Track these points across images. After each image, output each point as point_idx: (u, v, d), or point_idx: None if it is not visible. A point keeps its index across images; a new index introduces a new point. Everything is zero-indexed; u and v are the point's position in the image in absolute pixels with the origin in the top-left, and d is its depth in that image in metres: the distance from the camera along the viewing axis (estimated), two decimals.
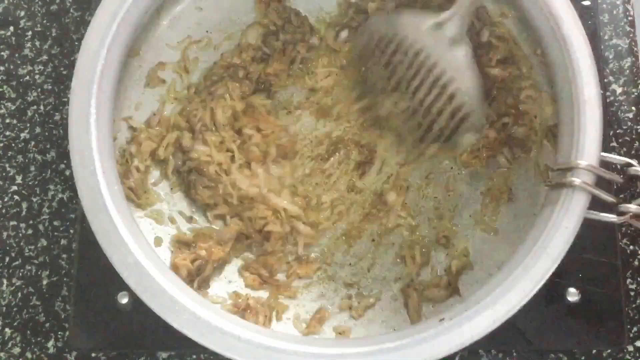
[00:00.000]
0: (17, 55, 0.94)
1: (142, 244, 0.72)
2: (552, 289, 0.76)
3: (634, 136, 0.89)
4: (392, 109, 0.83)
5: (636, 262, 0.85)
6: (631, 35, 0.92)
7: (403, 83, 0.82)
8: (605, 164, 0.71)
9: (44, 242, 0.87)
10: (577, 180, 0.68)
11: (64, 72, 0.93)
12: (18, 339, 0.83)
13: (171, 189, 0.84)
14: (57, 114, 0.92)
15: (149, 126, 0.84)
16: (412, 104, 0.82)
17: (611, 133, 0.88)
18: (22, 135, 0.91)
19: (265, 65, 0.87)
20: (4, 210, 0.88)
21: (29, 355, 0.83)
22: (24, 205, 0.88)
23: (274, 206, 0.81)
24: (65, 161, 0.89)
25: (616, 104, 0.90)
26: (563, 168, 0.71)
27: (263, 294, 0.80)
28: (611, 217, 0.68)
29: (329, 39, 0.89)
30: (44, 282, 0.85)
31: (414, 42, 0.80)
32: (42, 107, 0.92)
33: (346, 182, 0.86)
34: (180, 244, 0.81)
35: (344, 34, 0.88)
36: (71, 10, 0.96)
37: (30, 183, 0.89)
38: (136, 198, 0.81)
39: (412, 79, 0.81)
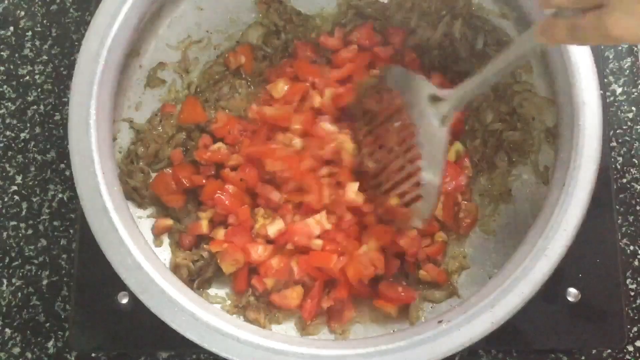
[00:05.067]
0: (17, 55, 0.94)
1: (142, 245, 0.72)
2: (552, 289, 0.76)
3: (634, 136, 0.89)
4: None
5: (636, 262, 0.85)
6: None
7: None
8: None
9: (44, 242, 0.87)
10: None
11: (64, 72, 0.93)
12: (18, 339, 0.84)
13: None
14: (57, 114, 0.92)
15: (152, 127, 0.84)
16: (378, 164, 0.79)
17: (611, 133, 0.88)
18: (22, 135, 0.91)
19: (270, 63, 0.87)
20: (4, 210, 0.88)
21: (29, 355, 0.83)
22: (24, 205, 0.88)
23: None
24: (65, 161, 0.89)
25: (616, 104, 0.90)
26: None
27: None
28: None
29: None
30: (44, 282, 0.85)
31: (410, 102, 0.76)
32: (42, 107, 0.92)
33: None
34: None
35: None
36: (71, 10, 0.96)
37: (30, 183, 0.89)
38: (139, 198, 0.81)
39: (390, 129, 0.78)
